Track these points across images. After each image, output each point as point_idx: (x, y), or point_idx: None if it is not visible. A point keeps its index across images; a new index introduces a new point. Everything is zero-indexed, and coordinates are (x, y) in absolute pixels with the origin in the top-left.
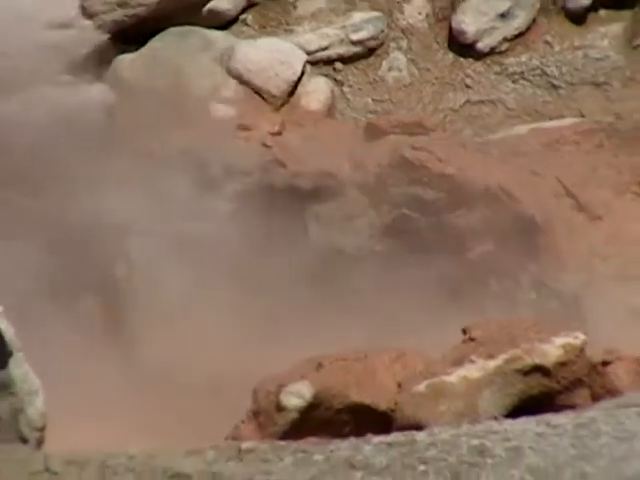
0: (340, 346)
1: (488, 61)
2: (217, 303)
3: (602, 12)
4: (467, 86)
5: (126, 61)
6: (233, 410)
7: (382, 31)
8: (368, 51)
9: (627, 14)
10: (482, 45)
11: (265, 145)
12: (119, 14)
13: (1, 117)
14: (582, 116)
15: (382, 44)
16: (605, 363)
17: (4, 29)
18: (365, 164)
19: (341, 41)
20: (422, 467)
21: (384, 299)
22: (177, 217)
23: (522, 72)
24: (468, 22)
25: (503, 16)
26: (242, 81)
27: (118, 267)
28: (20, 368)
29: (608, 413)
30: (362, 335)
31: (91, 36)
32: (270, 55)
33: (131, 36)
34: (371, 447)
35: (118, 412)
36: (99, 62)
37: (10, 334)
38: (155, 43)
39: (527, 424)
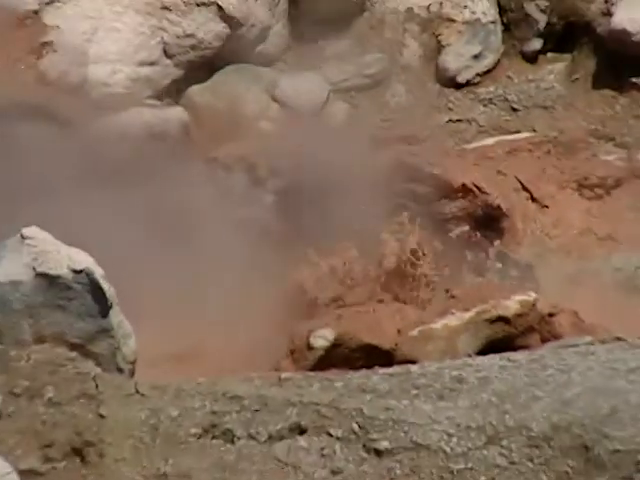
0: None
1: (465, 90)
2: (263, 264)
3: (549, 54)
4: (449, 109)
5: (197, 90)
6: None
7: (386, 68)
8: (375, 82)
9: (567, 56)
10: (460, 78)
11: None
12: (192, 55)
13: (104, 131)
14: (534, 131)
15: (386, 77)
16: (551, 315)
17: (108, 65)
18: (372, 165)
19: (356, 75)
20: (415, 391)
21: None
22: (235, 205)
23: (490, 98)
24: (450, 62)
25: (476, 57)
26: (282, 105)
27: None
28: (117, 317)
29: (553, 351)
30: (367, 294)
31: (171, 71)
32: (303, 85)
33: (200, 71)
34: (377, 377)
35: (191, 351)
36: (177, 90)
37: (111, 292)
38: (219, 77)
39: (493, 359)
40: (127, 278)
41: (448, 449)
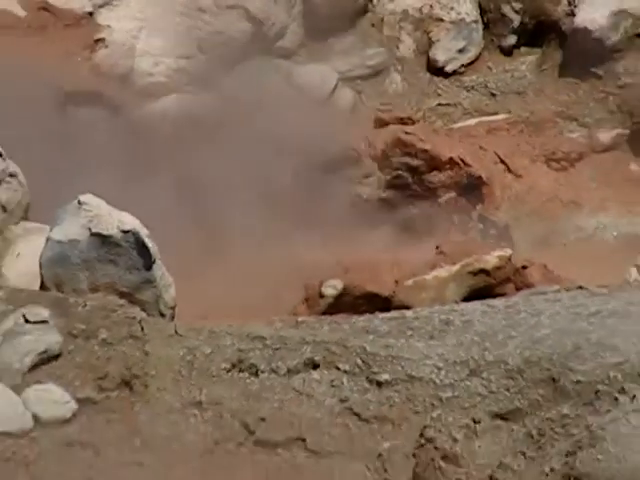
0: (358, 255)
1: (451, 79)
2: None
3: (522, 49)
4: (438, 94)
5: (226, 79)
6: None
7: (385, 60)
8: (376, 72)
9: (538, 50)
10: (448, 69)
11: None
12: (222, 50)
13: (145, 117)
14: (510, 113)
15: (385, 68)
16: (524, 267)
17: (151, 58)
18: (375, 143)
19: (360, 66)
20: (410, 332)
21: (388, 228)
22: (263, 177)
23: (473, 85)
24: (439, 55)
25: (461, 51)
26: (298, 91)
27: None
28: (159, 270)
29: (525, 298)
30: (376, 246)
31: (205, 63)
32: (315, 74)
33: (229, 63)
34: (378, 320)
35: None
36: (210, 79)
37: (154, 249)
38: (244, 68)
39: (475, 305)
40: (167, 239)
41: (438, 380)
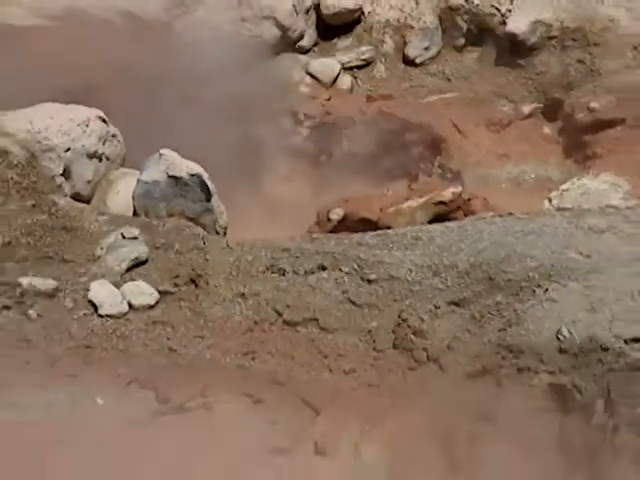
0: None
1: (420, 68)
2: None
3: (469, 47)
4: (411, 79)
5: (264, 66)
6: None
7: (373, 55)
8: (367, 63)
9: (480, 48)
10: (417, 61)
11: (322, 105)
12: (260, 47)
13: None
14: (460, 92)
15: (373, 61)
16: (469, 200)
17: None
18: (366, 112)
19: (356, 59)
20: (390, 245)
21: (371, 175)
22: (283, 141)
23: (434, 73)
24: (411, 51)
25: (426, 49)
26: (312, 77)
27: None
28: (216, 202)
29: (471, 222)
30: (367, 185)
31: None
32: (325, 65)
33: (265, 56)
34: (369, 237)
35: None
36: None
37: (212, 187)
38: (275, 60)
39: (436, 226)
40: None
41: (410, 278)
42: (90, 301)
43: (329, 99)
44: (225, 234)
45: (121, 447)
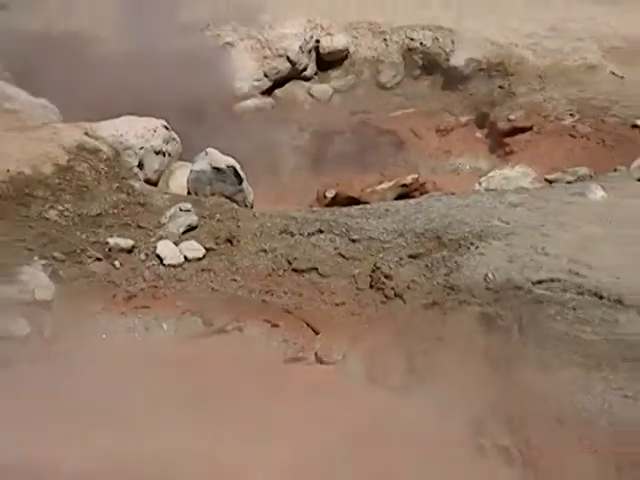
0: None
1: (389, 91)
2: (307, 168)
3: (423, 76)
4: (382, 98)
5: (277, 91)
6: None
7: (355, 82)
8: (351, 88)
9: (431, 76)
10: (387, 86)
11: (320, 117)
12: (276, 77)
13: (239, 108)
14: (417, 108)
15: (356, 86)
16: (424, 183)
17: (242, 81)
18: (350, 122)
19: (343, 85)
20: (368, 216)
21: (354, 166)
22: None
23: (399, 94)
24: (382, 79)
25: (394, 76)
26: (313, 97)
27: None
28: (246, 185)
29: (425, 199)
30: (351, 173)
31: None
32: (322, 89)
33: (278, 83)
34: (353, 209)
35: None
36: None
37: (243, 174)
38: (286, 86)
39: (400, 202)
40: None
41: (382, 239)
42: (157, 255)
43: (325, 113)
44: (252, 207)
45: (179, 356)
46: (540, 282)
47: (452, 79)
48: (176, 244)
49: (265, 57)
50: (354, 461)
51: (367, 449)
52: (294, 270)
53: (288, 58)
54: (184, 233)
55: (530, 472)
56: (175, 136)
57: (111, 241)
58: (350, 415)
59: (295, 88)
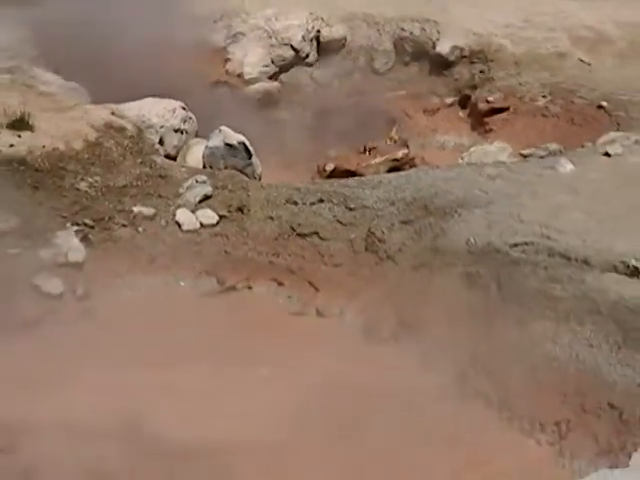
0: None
1: (382, 76)
2: (310, 144)
3: (412, 62)
4: (375, 82)
5: (283, 76)
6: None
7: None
8: (349, 74)
9: (419, 63)
10: (380, 71)
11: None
12: (282, 63)
13: (246, 92)
14: (407, 90)
15: (352, 72)
16: (413, 158)
17: (250, 67)
18: (348, 103)
19: (342, 70)
20: (364, 186)
21: (351, 142)
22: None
23: (391, 78)
24: (376, 65)
25: (385, 63)
26: (315, 82)
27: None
28: (255, 159)
29: (414, 171)
30: (347, 150)
31: (274, 69)
32: (324, 74)
33: (284, 69)
34: (350, 181)
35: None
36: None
37: (252, 150)
38: (291, 71)
39: (392, 174)
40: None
41: (376, 207)
42: (176, 221)
43: (325, 95)
44: (260, 179)
45: (196, 310)
46: (516, 245)
47: (438, 65)
48: (193, 212)
49: (272, 45)
50: (346, 399)
51: (359, 391)
52: (298, 235)
53: (292, 46)
54: (200, 202)
55: (505, 412)
56: (192, 116)
57: (135, 209)
58: (345, 362)
59: (299, 73)
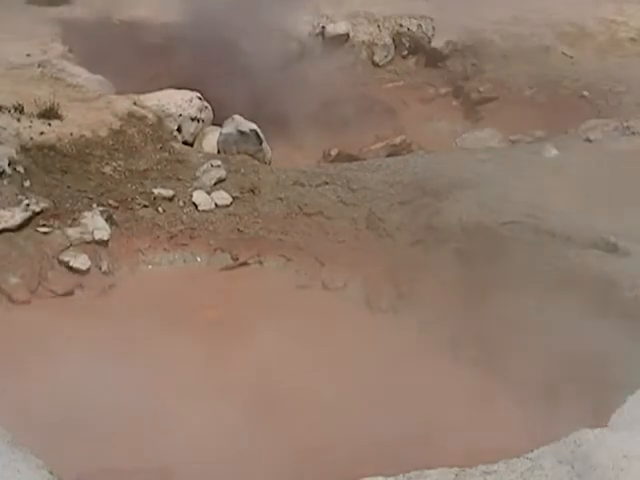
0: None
1: (382, 69)
2: (316, 130)
3: (410, 56)
4: (376, 74)
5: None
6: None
7: (354, 60)
8: (352, 65)
9: (416, 56)
10: (380, 64)
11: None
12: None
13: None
14: (404, 81)
15: (355, 64)
16: (410, 144)
17: None
18: (351, 93)
19: (346, 62)
20: (365, 170)
21: (354, 129)
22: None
23: (390, 70)
24: (376, 58)
25: (385, 57)
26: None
27: None
28: (265, 145)
29: (411, 156)
30: (350, 136)
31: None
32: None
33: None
34: (353, 165)
35: (289, 158)
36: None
37: (262, 136)
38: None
39: (391, 158)
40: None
41: (377, 189)
42: (193, 202)
43: (330, 86)
44: (270, 164)
45: (212, 282)
46: (504, 224)
47: (433, 58)
48: (208, 193)
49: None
50: (350, 363)
51: (361, 353)
52: (304, 214)
53: (299, 41)
54: (215, 184)
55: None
56: (207, 105)
57: (155, 191)
58: (348, 329)
59: (305, 66)
